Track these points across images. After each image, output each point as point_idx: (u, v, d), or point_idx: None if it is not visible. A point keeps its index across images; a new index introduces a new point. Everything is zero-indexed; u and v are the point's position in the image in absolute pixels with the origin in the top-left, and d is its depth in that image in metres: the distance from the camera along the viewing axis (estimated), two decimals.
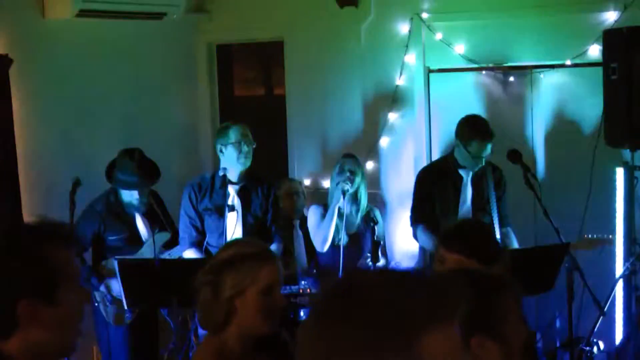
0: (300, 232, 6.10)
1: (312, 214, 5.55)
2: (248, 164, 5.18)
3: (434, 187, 5.39)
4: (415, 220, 5.45)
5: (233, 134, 5.16)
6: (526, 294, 5.16)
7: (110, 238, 5.33)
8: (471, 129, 5.32)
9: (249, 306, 2.73)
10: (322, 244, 5.32)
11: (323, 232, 5.29)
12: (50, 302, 1.98)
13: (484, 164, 5.32)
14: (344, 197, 5.31)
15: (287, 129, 7.08)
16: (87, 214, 5.34)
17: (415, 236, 5.53)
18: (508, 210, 5.55)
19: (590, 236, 5.41)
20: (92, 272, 5.31)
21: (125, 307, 4.93)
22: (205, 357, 2.80)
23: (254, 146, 5.21)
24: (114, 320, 5.27)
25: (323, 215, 5.43)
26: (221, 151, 5.20)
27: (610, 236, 5.55)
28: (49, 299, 1.97)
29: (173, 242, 5.37)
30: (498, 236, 5.29)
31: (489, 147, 5.29)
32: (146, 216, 5.41)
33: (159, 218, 5.35)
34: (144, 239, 5.38)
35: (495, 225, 5.33)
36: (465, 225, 3.15)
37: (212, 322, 2.77)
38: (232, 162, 5.15)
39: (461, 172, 5.38)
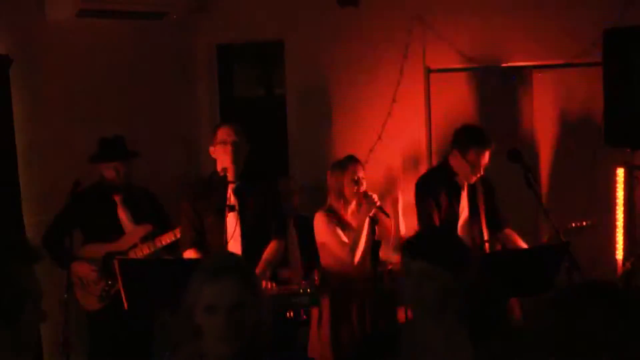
0: (294, 231, 6.08)
1: (325, 223, 5.35)
2: (235, 163, 5.13)
3: (432, 196, 5.31)
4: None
5: (219, 134, 5.18)
6: (526, 294, 5.18)
7: (92, 224, 5.45)
8: (469, 136, 5.25)
9: (200, 323, 2.55)
10: (355, 257, 5.22)
11: (356, 245, 5.20)
12: (14, 324, 1.90)
13: (482, 173, 5.22)
14: (377, 209, 5.19)
15: (287, 129, 7.08)
16: (72, 200, 5.42)
17: None
18: (502, 213, 5.48)
19: (575, 225, 5.34)
20: (70, 258, 5.36)
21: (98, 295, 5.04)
22: None
23: (240, 144, 5.14)
24: (83, 303, 5.40)
25: (338, 223, 5.30)
26: (213, 152, 5.22)
27: (589, 222, 5.46)
28: (13, 321, 1.90)
29: (153, 235, 5.46)
30: (486, 244, 5.27)
31: (487, 155, 5.23)
32: (129, 207, 5.52)
33: (142, 210, 5.49)
34: (125, 228, 5.48)
35: (484, 234, 5.29)
36: (429, 232, 3.02)
37: (181, 333, 2.61)
38: (222, 162, 5.15)
39: (457, 180, 5.33)
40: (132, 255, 5.36)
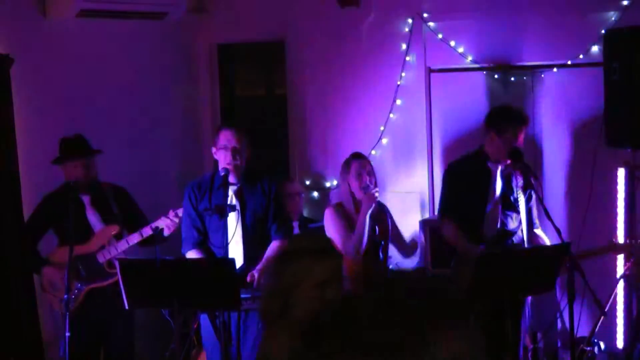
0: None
1: (332, 218, 5.37)
2: (236, 167, 5.12)
3: (463, 180, 5.30)
4: (443, 213, 5.39)
5: (221, 138, 5.18)
6: (527, 294, 5.18)
7: (62, 226, 5.35)
8: (505, 115, 5.25)
9: (303, 298, 2.72)
10: (355, 251, 5.23)
11: (357, 240, 5.20)
12: None
13: (521, 153, 5.18)
14: (376, 205, 5.21)
15: (288, 129, 7.07)
16: (42, 204, 5.43)
17: (440, 228, 5.44)
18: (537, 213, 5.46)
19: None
20: (42, 262, 5.33)
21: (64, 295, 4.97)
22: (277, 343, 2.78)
23: (241, 150, 5.14)
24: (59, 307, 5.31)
25: (344, 217, 5.32)
26: (215, 154, 5.23)
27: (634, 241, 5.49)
28: None
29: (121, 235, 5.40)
30: (526, 237, 5.27)
31: (523, 134, 5.19)
32: (98, 207, 5.43)
33: (111, 208, 5.41)
34: (94, 228, 5.40)
35: (523, 226, 5.28)
36: None
37: (270, 310, 2.78)
38: (223, 165, 5.16)
39: (490, 165, 5.31)
40: (100, 258, 5.31)
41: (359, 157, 5.38)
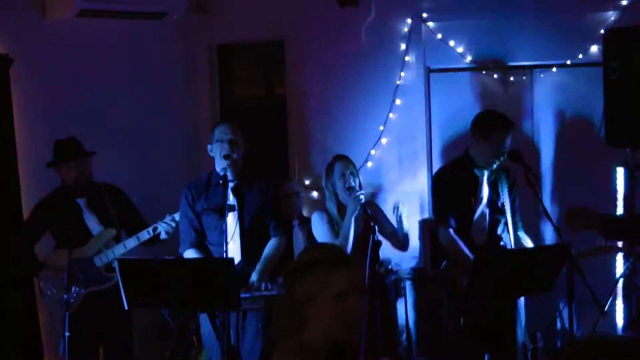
0: (299, 232, 6.09)
1: (318, 223, 5.38)
2: (233, 161, 5.12)
3: (451, 186, 5.29)
4: (438, 220, 5.38)
5: (216, 132, 5.18)
6: (526, 294, 5.18)
7: (59, 230, 5.37)
8: (490, 120, 5.23)
9: (320, 312, 2.62)
10: None
11: (343, 244, 5.18)
12: None
13: (504, 158, 5.14)
14: (361, 208, 5.18)
15: (288, 129, 7.08)
16: (37, 207, 5.43)
17: (438, 236, 5.43)
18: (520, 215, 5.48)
19: (601, 243, 5.37)
20: (39, 265, 5.34)
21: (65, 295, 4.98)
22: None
23: (237, 142, 5.15)
24: (53, 310, 5.32)
25: (329, 222, 5.33)
26: (211, 150, 5.22)
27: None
28: None
29: (118, 238, 5.42)
30: (512, 240, 5.26)
31: (509, 138, 5.16)
32: (95, 208, 5.43)
33: (108, 210, 5.41)
34: (92, 231, 5.39)
35: (509, 228, 5.28)
36: None
37: (283, 326, 2.67)
38: (218, 160, 5.16)
39: (476, 171, 5.31)
40: (98, 262, 5.31)
41: (342, 159, 5.38)
